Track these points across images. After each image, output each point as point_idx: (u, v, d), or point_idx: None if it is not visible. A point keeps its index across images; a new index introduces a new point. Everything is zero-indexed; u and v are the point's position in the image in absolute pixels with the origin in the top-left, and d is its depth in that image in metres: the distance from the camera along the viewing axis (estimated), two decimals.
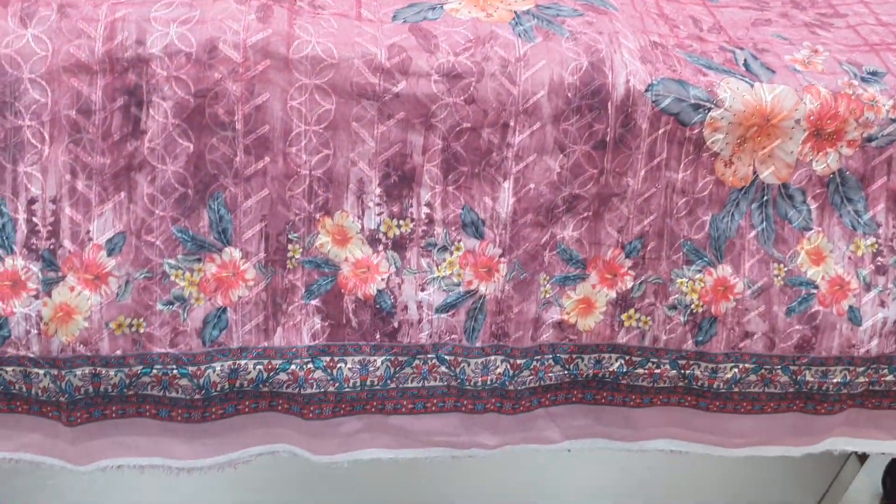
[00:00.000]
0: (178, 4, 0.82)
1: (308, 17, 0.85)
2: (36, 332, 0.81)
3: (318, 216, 0.86)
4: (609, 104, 0.84)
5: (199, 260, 0.84)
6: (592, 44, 0.86)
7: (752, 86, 0.87)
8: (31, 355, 0.82)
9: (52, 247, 0.81)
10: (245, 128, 0.82)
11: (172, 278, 0.83)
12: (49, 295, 0.81)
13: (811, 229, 0.92)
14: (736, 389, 0.95)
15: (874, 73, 0.92)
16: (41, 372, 0.83)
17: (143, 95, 0.80)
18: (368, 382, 0.90)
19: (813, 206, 0.91)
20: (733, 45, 0.95)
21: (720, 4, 1.05)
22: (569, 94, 0.83)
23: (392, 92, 0.82)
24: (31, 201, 0.80)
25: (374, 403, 0.91)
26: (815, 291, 0.92)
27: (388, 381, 0.90)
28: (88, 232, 0.81)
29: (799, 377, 0.95)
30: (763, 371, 0.94)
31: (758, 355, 0.93)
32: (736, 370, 0.94)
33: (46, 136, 0.79)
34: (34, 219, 0.80)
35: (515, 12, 0.90)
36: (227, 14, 0.81)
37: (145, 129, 0.81)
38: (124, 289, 0.83)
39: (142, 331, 0.84)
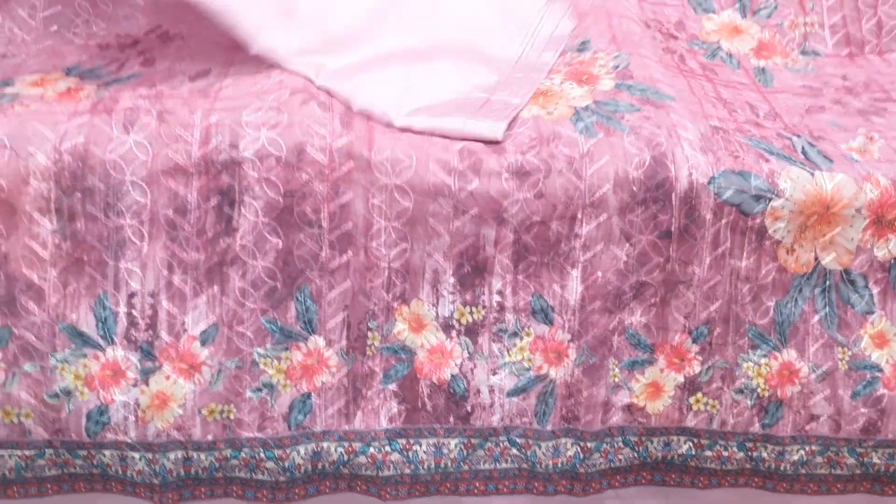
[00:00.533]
0: (267, 109, 0.85)
1: (384, 126, 0.88)
2: (134, 418, 0.83)
3: (395, 305, 0.87)
4: (673, 196, 0.84)
5: (286, 349, 0.85)
6: (653, 138, 0.86)
7: (812, 175, 0.86)
8: (129, 440, 0.84)
9: (150, 338, 0.83)
10: (330, 225, 0.84)
11: (261, 366, 0.85)
12: (147, 383, 0.83)
13: (874, 313, 0.90)
14: (803, 471, 0.93)
15: None
16: (137, 456, 0.85)
17: (235, 195, 0.82)
18: (442, 464, 0.89)
19: (875, 290, 0.89)
20: (790, 132, 0.95)
21: (774, 90, 1.06)
22: (633, 188, 0.84)
23: (466, 190, 0.84)
24: (132, 295, 0.83)
25: (448, 485, 0.91)
26: (879, 375, 0.90)
27: (462, 464, 0.90)
28: (184, 324, 0.84)
29: (866, 459, 0.92)
30: (829, 453, 0.92)
31: (824, 437, 0.91)
32: (802, 452, 0.92)
33: (145, 235, 0.82)
34: (134, 312, 0.83)
35: (575, 108, 0.91)
36: (314, 119, 0.84)
37: (237, 226, 0.83)
38: (216, 377, 0.85)
39: (232, 416, 0.85)
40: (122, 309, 0.83)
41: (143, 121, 0.83)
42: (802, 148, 0.91)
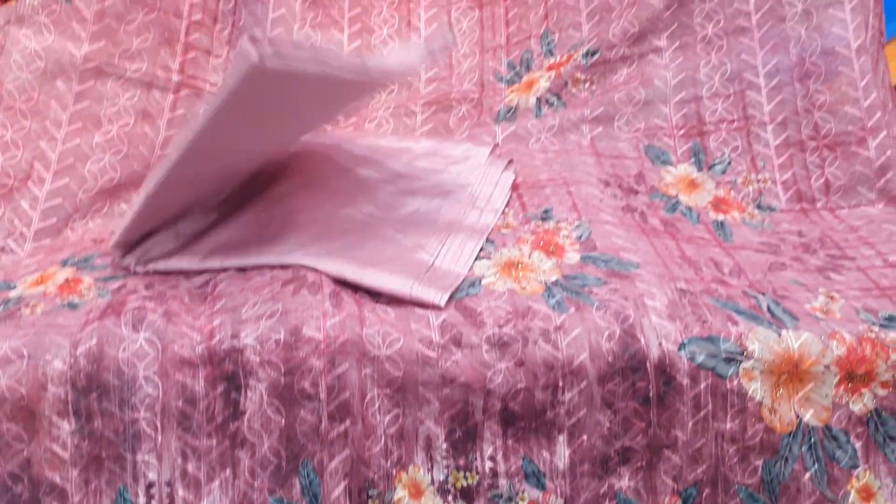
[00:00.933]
0: (262, 302, 0.84)
1: (370, 305, 0.87)
2: None
3: (394, 472, 0.83)
4: (648, 364, 0.81)
5: None
6: (621, 310, 0.83)
7: (779, 334, 0.82)
8: None
9: None
10: (328, 397, 0.81)
11: None
12: None
13: (858, 467, 0.85)
14: None
15: (890, 319, 0.87)
16: None
17: (240, 380, 0.81)
18: None
19: (857, 444, 0.84)
20: (755, 290, 0.91)
21: (736, 245, 1.03)
22: (609, 359, 0.81)
23: (451, 360, 0.82)
24: (149, 486, 0.80)
25: None
26: None
27: None
28: None
29: None
30: None
31: None
32: None
33: (159, 426, 0.80)
34: (153, 502, 0.80)
35: (546, 283, 0.89)
36: (306, 305, 0.83)
37: (244, 409, 0.81)
38: None
39: None
40: (142, 500, 0.80)
41: (150, 318, 0.82)
42: (768, 306, 0.88)
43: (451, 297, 0.88)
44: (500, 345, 0.83)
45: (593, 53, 1.25)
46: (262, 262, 0.93)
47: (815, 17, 1.17)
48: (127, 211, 0.97)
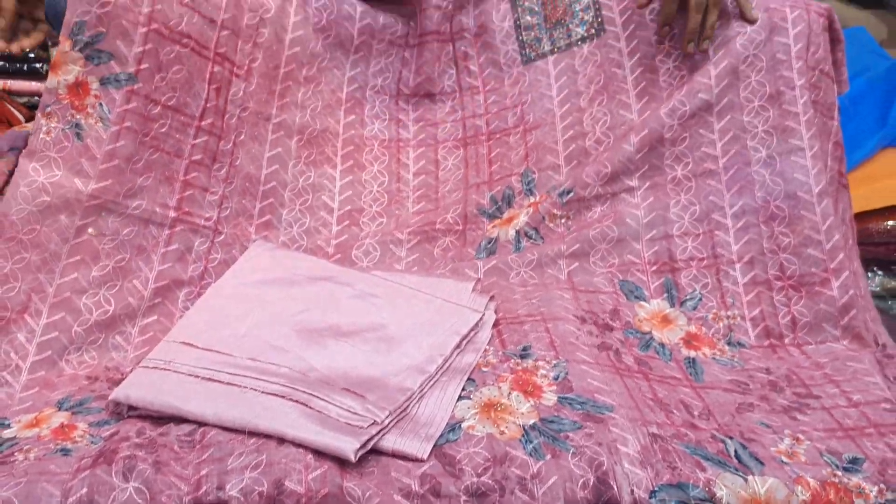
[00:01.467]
0: (248, 453, 0.86)
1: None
2: None
3: None
4: None
5: None
6: (595, 457, 0.86)
7: (745, 480, 0.85)
8: None
9: None
10: None
11: None
12: None
13: None
14: None
15: (854, 461, 0.90)
16: None
17: None
18: None
19: None
20: (723, 433, 0.94)
21: (706, 385, 1.06)
22: None
23: None
24: None
25: None
26: None
27: None
28: None
29: None
30: None
31: None
32: None
33: None
34: None
35: (523, 427, 0.91)
36: (290, 458, 0.85)
37: None
38: None
39: None
40: None
41: (140, 468, 0.84)
42: (735, 451, 0.90)
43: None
44: (479, 495, 0.85)
45: (568, 192, 1.28)
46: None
47: (779, 164, 1.22)
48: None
